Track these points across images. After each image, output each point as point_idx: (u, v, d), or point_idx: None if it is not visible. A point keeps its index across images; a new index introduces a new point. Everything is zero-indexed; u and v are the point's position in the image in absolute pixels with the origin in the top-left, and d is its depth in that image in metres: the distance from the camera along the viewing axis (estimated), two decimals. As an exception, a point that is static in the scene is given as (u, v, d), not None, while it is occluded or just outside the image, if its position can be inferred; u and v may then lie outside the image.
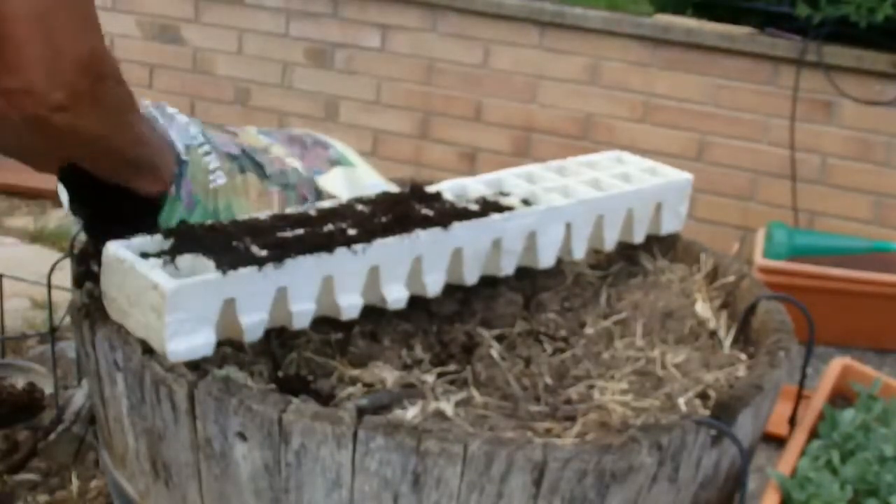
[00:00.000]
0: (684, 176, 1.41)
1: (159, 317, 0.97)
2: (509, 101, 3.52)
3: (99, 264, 1.07)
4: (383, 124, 3.66)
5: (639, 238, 1.38)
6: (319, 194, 1.30)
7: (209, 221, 1.14)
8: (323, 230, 1.12)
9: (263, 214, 1.16)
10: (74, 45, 0.94)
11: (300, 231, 1.11)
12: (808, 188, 3.26)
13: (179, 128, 1.18)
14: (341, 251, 1.08)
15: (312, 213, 1.17)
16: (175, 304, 0.97)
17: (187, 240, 1.07)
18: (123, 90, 1.03)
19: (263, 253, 1.04)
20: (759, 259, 2.82)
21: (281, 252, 1.05)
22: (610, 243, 1.34)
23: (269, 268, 1.03)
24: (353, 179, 1.34)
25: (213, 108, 3.82)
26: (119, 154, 1.07)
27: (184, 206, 1.15)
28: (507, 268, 1.24)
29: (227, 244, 1.06)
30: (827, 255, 2.88)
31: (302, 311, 1.07)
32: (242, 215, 1.18)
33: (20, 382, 2.13)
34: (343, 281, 1.09)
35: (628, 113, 3.40)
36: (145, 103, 1.19)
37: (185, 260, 1.03)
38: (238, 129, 1.35)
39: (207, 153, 1.19)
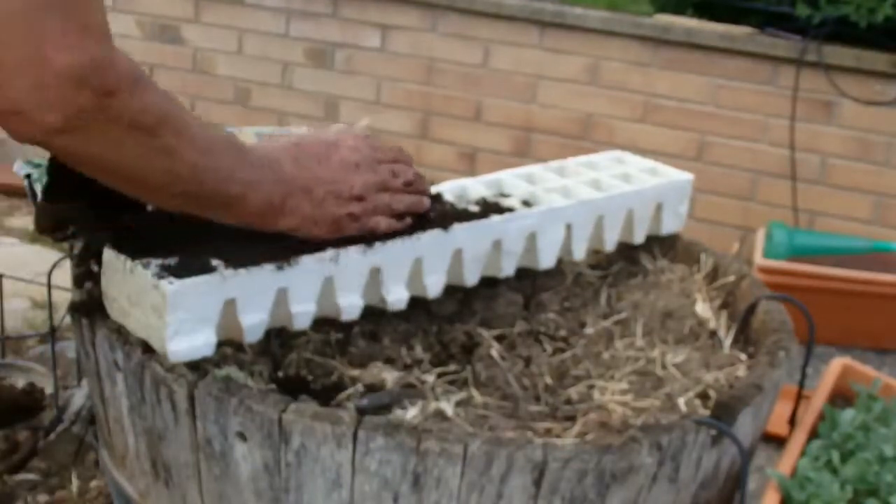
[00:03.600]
0: (684, 176, 1.41)
1: (160, 317, 0.97)
2: (509, 101, 3.51)
3: (99, 264, 1.07)
4: (383, 124, 3.66)
5: (639, 238, 1.37)
6: None
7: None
8: (323, 230, 1.11)
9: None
10: (65, 53, 0.77)
11: (300, 231, 1.11)
12: (808, 188, 3.26)
13: None
14: (341, 252, 1.08)
15: (312, 213, 1.17)
16: (176, 303, 0.96)
17: (187, 240, 1.06)
18: (156, 106, 0.85)
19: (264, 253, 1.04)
20: (759, 259, 2.82)
21: (281, 252, 1.05)
22: (610, 244, 1.34)
23: (270, 268, 1.03)
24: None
25: (213, 108, 3.82)
26: (162, 185, 0.90)
27: None
28: (508, 269, 1.24)
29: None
30: (827, 255, 2.87)
31: (302, 312, 1.07)
32: None
33: (20, 382, 2.13)
34: (343, 282, 1.09)
35: (628, 113, 3.40)
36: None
37: (185, 260, 1.03)
38: (236, 129, 1.35)
39: None
